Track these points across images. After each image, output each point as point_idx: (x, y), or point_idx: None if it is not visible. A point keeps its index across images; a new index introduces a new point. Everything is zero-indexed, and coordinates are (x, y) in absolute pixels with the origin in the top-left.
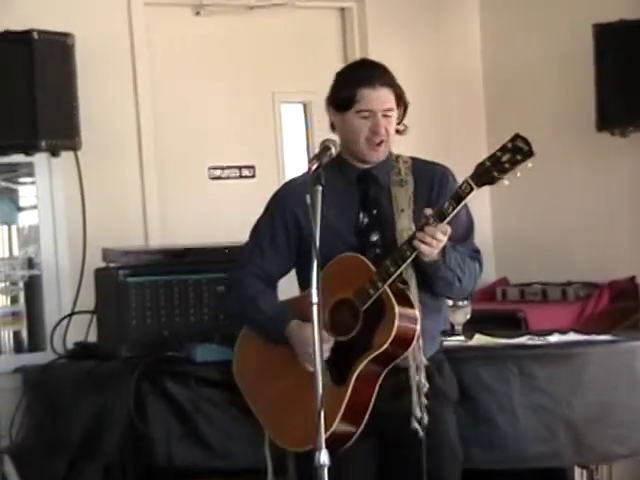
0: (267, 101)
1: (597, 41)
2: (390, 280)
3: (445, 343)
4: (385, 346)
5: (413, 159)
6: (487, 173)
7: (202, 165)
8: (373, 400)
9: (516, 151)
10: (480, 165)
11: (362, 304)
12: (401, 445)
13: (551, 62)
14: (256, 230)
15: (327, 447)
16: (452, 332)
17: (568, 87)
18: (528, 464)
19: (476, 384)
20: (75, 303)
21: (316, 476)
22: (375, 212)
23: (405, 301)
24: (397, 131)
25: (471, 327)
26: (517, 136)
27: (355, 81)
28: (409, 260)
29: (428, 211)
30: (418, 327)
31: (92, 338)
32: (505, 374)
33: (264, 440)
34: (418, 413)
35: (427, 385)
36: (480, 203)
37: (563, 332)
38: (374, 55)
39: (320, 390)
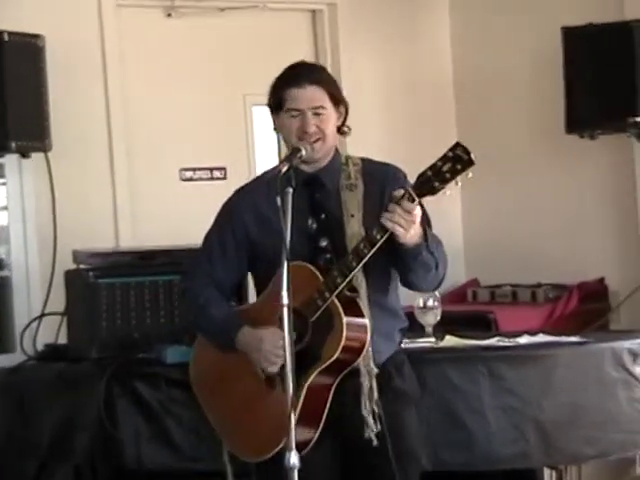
0: (238, 103)
1: (566, 44)
2: (337, 291)
3: (415, 345)
4: (333, 358)
5: (363, 160)
6: (428, 183)
7: (173, 167)
8: (328, 406)
9: (456, 160)
10: (421, 175)
11: (310, 315)
12: (362, 449)
13: (521, 65)
14: (206, 242)
15: (281, 456)
16: (422, 333)
17: (537, 90)
18: (498, 465)
19: (446, 385)
20: (45, 304)
21: (286, 478)
22: (323, 217)
23: (354, 310)
24: (340, 132)
25: (441, 328)
26: (457, 145)
27: (284, 81)
28: (366, 258)
29: (399, 192)
30: (368, 335)
31: (62, 340)
32: (475, 375)
33: (222, 445)
34: (371, 420)
35: (376, 394)
36: (451, 204)
37: (533, 334)
38: (345, 57)
39: (290, 391)
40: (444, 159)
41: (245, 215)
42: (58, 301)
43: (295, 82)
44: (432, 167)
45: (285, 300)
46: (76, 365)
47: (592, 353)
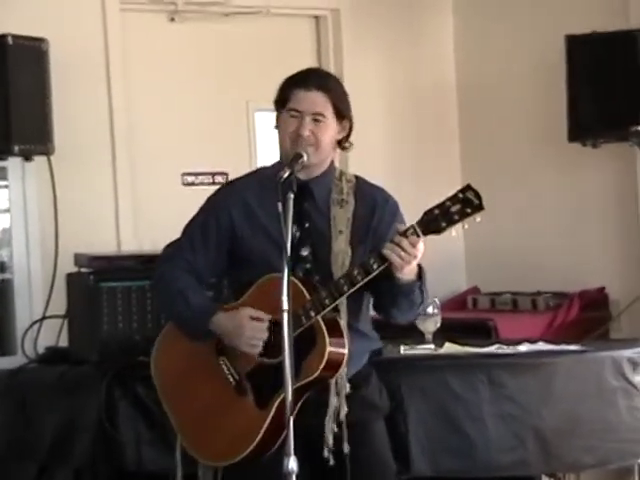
0: (241, 108)
1: (569, 52)
2: (324, 312)
3: (414, 352)
4: (312, 377)
5: (357, 179)
6: (435, 222)
7: (175, 171)
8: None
9: (466, 203)
10: (428, 212)
11: (293, 330)
12: (326, 459)
13: (524, 72)
14: (189, 227)
15: (248, 460)
16: (422, 340)
17: (540, 98)
18: (497, 473)
19: (445, 393)
20: (46, 307)
21: None
22: (307, 226)
23: (336, 330)
24: (341, 147)
25: (442, 336)
26: (468, 187)
27: (293, 81)
28: (358, 286)
29: (404, 226)
30: (346, 355)
31: (63, 343)
32: (474, 383)
33: (175, 443)
34: (330, 441)
35: (345, 409)
36: None
37: (533, 342)
38: (348, 63)
39: (290, 395)
40: (454, 199)
41: (233, 209)
42: (59, 304)
43: (303, 83)
44: (440, 206)
45: (285, 306)
46: (77, 368)
47: (592, 362)
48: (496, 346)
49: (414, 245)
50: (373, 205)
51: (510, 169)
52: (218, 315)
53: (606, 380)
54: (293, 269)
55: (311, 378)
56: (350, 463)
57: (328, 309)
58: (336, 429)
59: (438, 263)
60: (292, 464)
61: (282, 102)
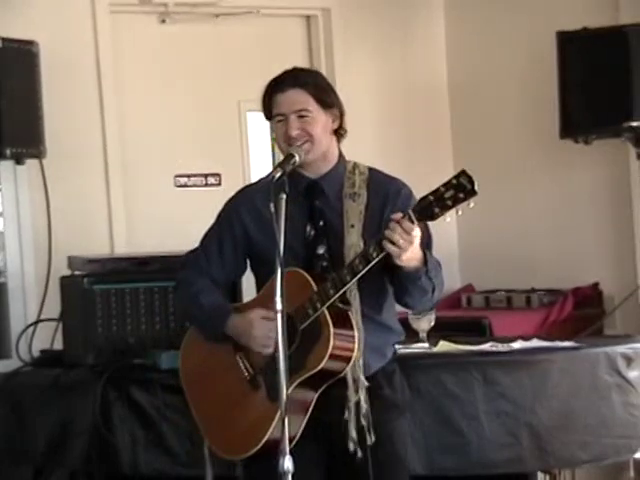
0: (233, 109)
1: (560, 49)
2: (329, 303)
3: (409, 350)
4: (318, 368)
5: (371, 170)
6: (429, 208)
7: (168, 173)
8: (308, 415)
9: (460, 189)
10: (423, 199)
11: (300, 323)
12: (349, 456)
13: (516, 69)
14: (205, 237)
15: (263, 453)
16: (416, 339)
17: (532, 95)
18: (492, 470)
19: (440, 391)
20: (41, 311)
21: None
22: (322, 224)
23: (344, 322)
24: (338, 135)
25: (436, 334)
26: (463, 173)
27: (270, 90)
28: (360, 275)
29: (399, 214)
30: (356, 348)
31: (58, 346)
32: (469, 381)
33: (203, 446)
34: (355, 435)
35: (365, 407)
36: None
37: (527, 339)
38: (339, 62)
39: (284, 396)
40: (447, 185)
41: (245, 215)
42: (54, 307)
43: (278, 88)
44: (434, 192)
45: (279, 306)
46: (72, 371)
47: (586, 358)
48: (490, 344)
49: (408, 232)
50: (385, 196)
51: (502, 166)
52: (231, 317)
53: (600, 376)
54: (311, 267)
55: (315, 370)
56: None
57: (333, 299)
58: (364, 422)
59: None
60: (287, 463)
61: (268, 112)
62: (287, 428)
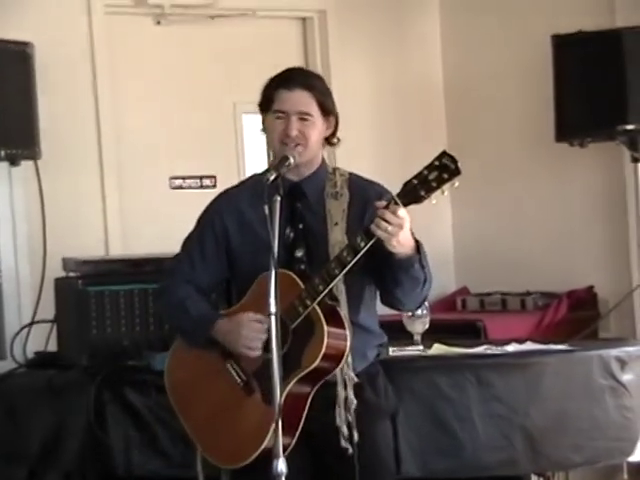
0: (228, 111)
1: (556, 52)
2: (319, 298)
3: (403, 353)
4: (313, 366)
5: (351, 174)
6: (414, 192)
7: (163, 175)
8: (304, 415)
9: (443, 169)
10: (407, 183)
11: (291, 322)
12: (334, 459)
13: (511, 72)
14: (187, 241)
15: (259, 463)
16: (410, 341)
17: (527, 97)
18: (486, 472)
19: (434, 393)
20: (35, 312)
21: None
22: (301, 227)
23: (335, 318)
24: (330, 143)
25: (431, 336)
26: (444, 153)
27: (276, 82)
28: (349, 266)
29: (382, 203)
30: (348, 344)
31: (52, 347)
32: (463, 383)
33: (196, 456)
34: (345, 430)
35: (355, 402)
36: (441, 213)
37: (521, 342)
38: (335, 64)
39: (278, 398)
40: (430, 167)
41: (228, 219)
42: (48, 308)
43: (285, 84)
44: (418, 175)
45: (272, 308)
46: (66, 372)
47: (580, 361)
48: (484, 346)
49: (395, 213)
50: (366, 201)
51: (498, 169)
52: (218, 322)
53: (594, 379)
54: (289, 270)
55: (311, 368)
56: (354, 463)
57: (323, 295)
58: (350, 418)
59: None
60: (281, 466)
61: (267, 104)
62: (280, 431)
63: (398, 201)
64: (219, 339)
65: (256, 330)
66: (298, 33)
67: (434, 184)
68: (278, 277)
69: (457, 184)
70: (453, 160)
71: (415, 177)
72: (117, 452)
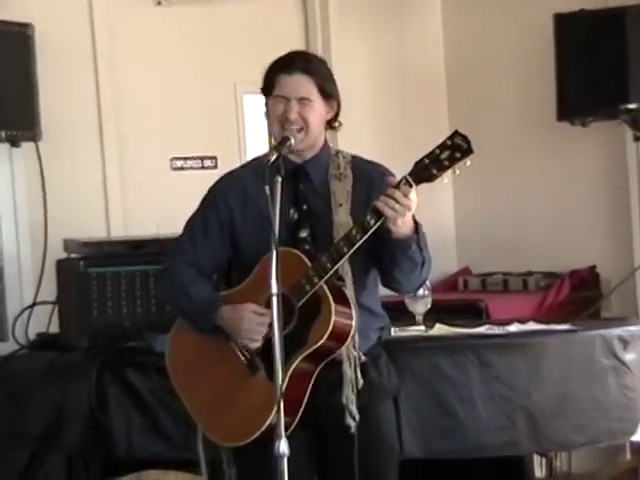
0: (229, 92)
1: (558, 31)
2: (327, 276)
3: (405, 333)
4: (320, 343)
5: (353, 157)
6: (426, 170)
7: (164, 156)
8: (308, 394)
9: (455, 148)
10: (419, 162)
11: (297, 300)
12: (336, 439)
13: (512, 52)
14: (190, 222)
15: (262, 441)
16: (412, 322)
17: (529, 77)
18: (487, 453)
19: (435, 374)
20: (37, 294)
21: (276, 466)
22: (305, 208)
23: (341, 297)
24: (331, 127)
25: (433, 317)
26: (456, 133)
27: (277, 67)
28: (358, 244)
29: (394, 180)
30: (354, 323)
31: (54, 329)
32: (464, 364)
33: (197, 434)
34: (352, 408)
35: (362, 380)
36: (442, 194)
37: (523, 322)
38: (336, 44)
39: (280, 380)
40: (442, 147)
41: (232, 200)
42: (50, 290)
43: (285, 69)
44: (430, 154)
45: (274, 289)
46: (67, 354)
47: (582, 341)
48: (486, 327)
49: (406, 195)
50: (369, 182)
51: (499, 149)
52: (221, 310)
53: (596, 359)
54: None
55: (318, 345)
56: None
57: (331, 272)
58: (352, 396)
59: (429, 245)
60: (283, 447)
61: (268, 89)
62: (282, 411)
63: (410, 180)
64: (222, 325)
65: (258, 322)
66: (299, 13)
67: (447, 163)
68: (284, 256)
69: (469, 163)
70: (465, 139)
71: (427, 156)
72: (118, 434)
